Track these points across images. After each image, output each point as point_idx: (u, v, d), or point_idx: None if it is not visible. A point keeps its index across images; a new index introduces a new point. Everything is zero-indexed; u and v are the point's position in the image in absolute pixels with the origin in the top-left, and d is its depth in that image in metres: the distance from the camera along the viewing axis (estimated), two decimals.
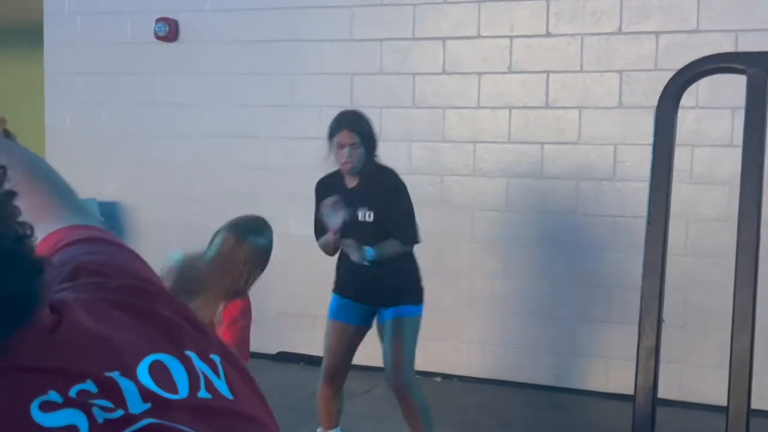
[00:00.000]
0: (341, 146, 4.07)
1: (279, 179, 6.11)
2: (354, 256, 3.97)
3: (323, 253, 4.25)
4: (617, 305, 5.35)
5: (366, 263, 3.96)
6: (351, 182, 4.15)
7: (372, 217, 4.07)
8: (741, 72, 1.42)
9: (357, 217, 4.06)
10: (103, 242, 0.96)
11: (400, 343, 4.08)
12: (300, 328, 6.11)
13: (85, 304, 0.81)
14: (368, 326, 4.24)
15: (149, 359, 0.80)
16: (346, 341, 4.21)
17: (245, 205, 6.19)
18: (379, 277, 4.06)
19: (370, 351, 4.41)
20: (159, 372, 0.80)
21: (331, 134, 4.13)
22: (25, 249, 0.75)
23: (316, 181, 4.30)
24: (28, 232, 0.76)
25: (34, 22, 6.82)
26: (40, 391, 0.72)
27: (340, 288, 4.26)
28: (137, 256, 1.00)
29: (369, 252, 3.97)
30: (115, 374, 0.76)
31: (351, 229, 4.03)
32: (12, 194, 0.77)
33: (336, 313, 4.24)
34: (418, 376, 4.23)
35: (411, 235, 4.15)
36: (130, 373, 0.78)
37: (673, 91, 1.43)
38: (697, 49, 4.86)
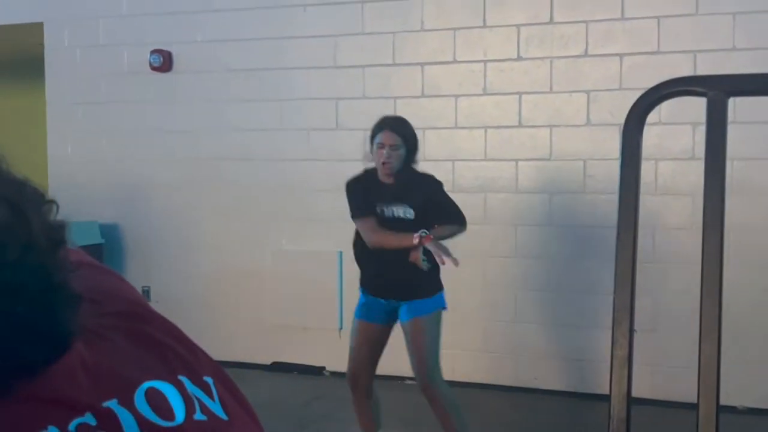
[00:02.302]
0: (382, 146, 3.96)
1: (271, 198, 6.09)
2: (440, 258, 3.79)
3: (365, 243, 4.01)
4: (590, 310, 5.36)
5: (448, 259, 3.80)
6: (386, 179, 4.02)
7: (413, 215, 3.94)
8: (701, 95, 1.42)
9: (397, 214, 3.95)
10: (86, 266, 0.92)
11: (422, 343, 3.97)
12: (293, 338, 6.08)
13: (80, 332, 0.78)
14: (392, 323, 4.09)
15: (145, 386, 0.78)
16: (373, 340, 4.07)
17: (239, 224, 6.20)
18: (397, 272, 3.92)
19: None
20: (155, 399, 0.78)
21: (373, 135, 4.02)
22: (67, 282, 0.74)
23: (347, 182, 4.09)
24: (74, 265, 0.75)
25: (36, 55, 6.79)
26: (40, 426, 0.69)
27: (364, 284, 4.12)
28: (121, 278, 0.97)
29: (424, 233, 3.83)
30: (112, 403, 0.74)
31: (391, 226, 3.92)
32: (65, 225, 0.75)
33: (360, 313, 4.10)
34: (407, 381, 4.20)
35: (462, 218, 4.04)
36: (128, 402, 0.75)
37: (637, 114, 1.44)
38: (658, 70, 4.90)
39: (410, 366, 4.09)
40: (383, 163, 3.96)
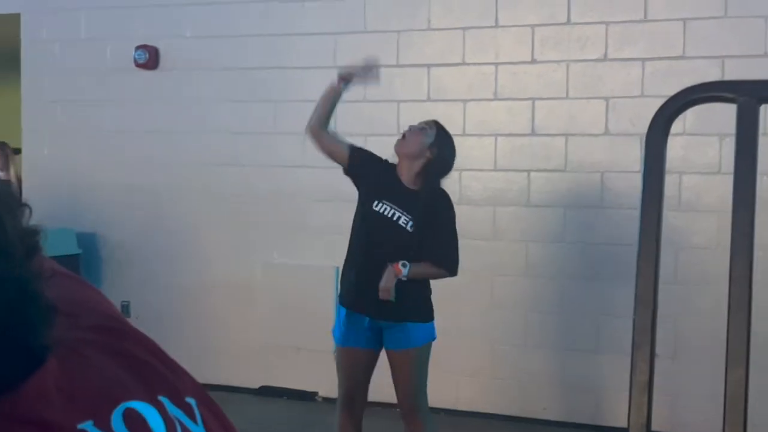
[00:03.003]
0: (412, 126, 4.01)
1: (262, 207, 6.09)
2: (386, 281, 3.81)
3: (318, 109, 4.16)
4: (606, 335, 5.35)
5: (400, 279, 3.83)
6: (407, 181, 3.98)
7: (412, 228, 3.89)
8: (731, 101, 1.42)
9: (399, 219, 3.90)
10: (61, 276, 0.91)
11: (410, 376, 3.94)
12: (283, 361, 6.06)
13: (55, 349, 0.77)
14: (380, 346, 4.01)
15: (123, 407, 0.77)
16: (360, 367, 4.01)
17: (227, 234, 6.19)
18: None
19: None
20: (134, 421, 0.77)
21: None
22: (42, 293, 0.73)
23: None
24: (47, 273, 0.74)
25: (11, 49, 6.80)
26: None
27: (344, 299, 4.04)
28: (97, 291, 0.96)
29: (404, 269, 3.83)
30: (88, 425, 0.73)
31: (388, 228, 3.89)
32: (39, 231, 0.74)
33: (343, 339, 4.00)
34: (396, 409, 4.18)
35: (453, 263, 3.98)
36: (105, 424, 0.74)
37: (662, 121, 1.43)
38: (683, 76, 4.91)
39: (395, 390, 4.04)
40: (401, 138, 3.98)
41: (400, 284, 3.85)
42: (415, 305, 3.94)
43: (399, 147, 4.00)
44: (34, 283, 0.71)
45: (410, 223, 3.91)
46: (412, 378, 3.96)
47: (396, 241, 3.89)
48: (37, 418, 0.72)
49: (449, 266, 3.98)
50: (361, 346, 3.99)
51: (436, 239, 3.95)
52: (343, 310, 4.02)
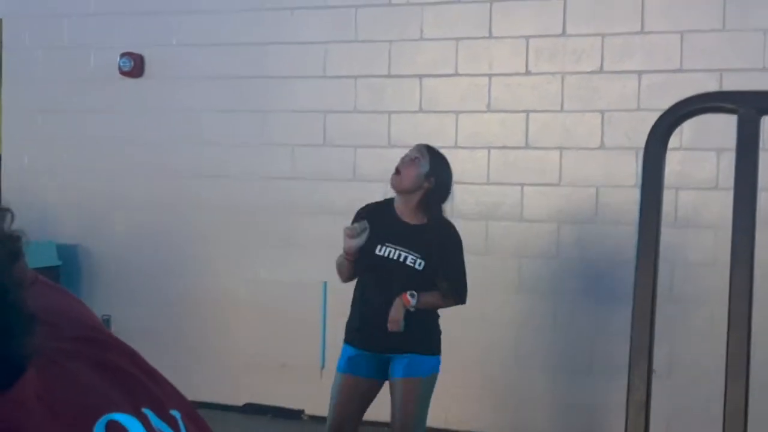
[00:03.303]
0: (402, 160, 3.95)
1: (249, 220, 6.07)
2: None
3: (338, 275, 4.09)
4: (601, 353, 5.34)
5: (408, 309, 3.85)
6: (406, 215, 3.94)
7: (422, 266, 3.85)
8: (731, 111, 1.42)
9: (406, 259, 3.87)
10: (42, 285, 0.90)
11: (412, 407, 3.89)
12: (269, 377, 6.04)
13: (35, 359, 0.76)
14: (384, 378, 3.98)
15: (106, 419, 0.77)
16: (357, 397, 3.96)
17: (212, 248, 6.17)
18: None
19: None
20: None
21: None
22: (24, 301, 0.72)
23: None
24: (29, 281, 0.73)
25: None
26: None
27: (348, 335, 4.02)
28: (79, 301, 0.96)
29: (412, 299, 3.82)
30: None
31: (397, 271, 3.85)
32: (21, 236, 0.74)
33: (346, 366, 3.96)
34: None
35: (462, 292, 3.98)
36: None
37: (661, 131, 1.43)
38: (680, 89, 4.91)
39: (390, 422, 4.00)
40: (395, 173, 3.93)
41: (408, 315, 3.84)
42: (422, 337, 3.93)
43: (395, 184, 3.94)
44: (15, 291, 0.70)
45: (418, 262, 3.87)
46: (413, 409, 3.90)
47: (406, 282, 3.86)
48: (15, 428, 0.71)
49: (459, 296, 3.99)
50: (363, 375, 3.96)
51: (444, 270, 3.92)
52: (349, 348, 4.00)
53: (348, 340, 4.02)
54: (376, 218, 3.96)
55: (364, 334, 3.94)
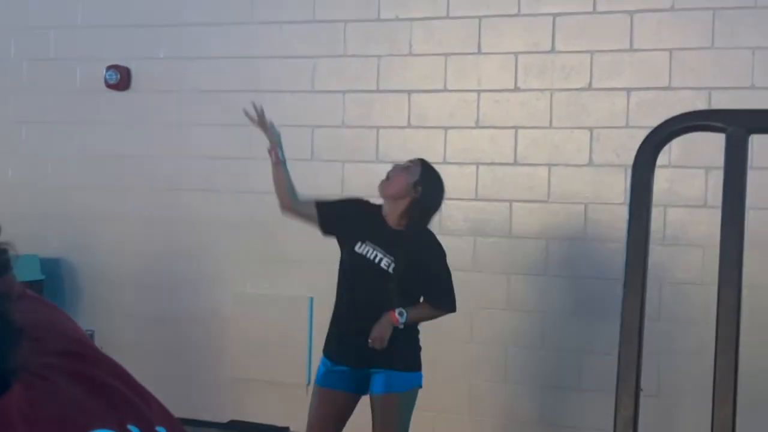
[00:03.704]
0: (393, 167, 4.04)
1: (235, 235, 6.06)
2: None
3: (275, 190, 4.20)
4: (588, 371, 5.34)
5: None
6: (392, 220, 4.00)
7: (392, 269, 3.90)
8: (720, 130, 1.43)
9: (381, 261, 3.91)
10: (27, 299, 0.90)
11: (392, 422, 3.91)
12: (254, 394, 6.01)
13: (21, 373, 0.76)
14: (362, 393, 4.01)
15: None
16: (335, 411, 3.99)
17: (198, 263, 6.15)
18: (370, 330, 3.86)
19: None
20: None
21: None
22: (11, 314, 0.72)
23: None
24: (16, 294, 0.73)
25: None
26: None
27: (327, 348, 4.05)
28: (65, 315, 0.96)
29: (401, 317, 3.84)
30: None
31: (371, 271, 3.90)
32: (8, 249, 0.74)
33: (323, 380, 3.99)
34: None
35: (450, 301, 4.03)
36: None
37: (649, 149, 1.44)
38: (669, 107, 4.95)
39: None
40: (385, 179, 4.01)
41: (397, 328, 3.88)
42: (402, 352, 3.94)
43: (383, 188, 4.03)
44: (2, 304, 0.70)
45: (391, 265, 3.91)
46: (393, 424, 3.92)
47: (377, 285, 3.91)
48: None
49: (448, 305, 4.05)
50: (341, 389, 3.98)
51: (429, 280, 3.97)
52: (327, 361, 4.02)
53: (326, 352, 4.05)
54: (364, 215, 4.05)
55: (341, 348, 3.97)
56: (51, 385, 0.79)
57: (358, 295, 3.94)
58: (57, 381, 0.80)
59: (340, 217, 4.08)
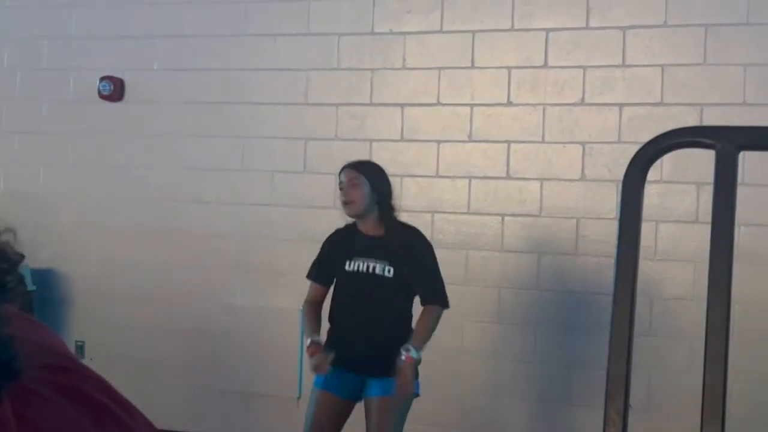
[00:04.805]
0: (341, 186, 4.09)
1: (227, 247, 6.05)
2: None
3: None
4: (578, 387, 5.34)
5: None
6: (370, 230, 4.10)
7: (392, 273, 4.01)
8: (709, 147, 1.44)
9: (375, 269, 4.01)
10: (12, 316, 0.91)
11: (387, 424, 3.98)
12: (245, 407, 5.99)
13: (10, 387, 0.77)
14: (358, 399, 4.12)
15: None
16: (334, 415, 4.08)
17: (189, 274, 6.14)
18: (371, 344, 3.99)
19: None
20: None
21: (338, 177, 4.16)
22: (8, 336, 0.73)
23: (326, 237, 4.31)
24: (8, 315, 0.74)
25: None
26: None
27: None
28: (49, 329, 0.96)
29: (414, 353, 3.92)
30: None
31: (369, 282, 4.00)
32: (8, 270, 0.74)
33: (325, 383, 4.08)
34: None
35: (443, 297, 4.12)
36: None
37: (639, 165, 1.45)
38: (661, 122, 4.97)
39: None
40: (344, 203, 4.08)
41: (387, 341, 3.96)
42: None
43: (351, 211, 4.09)
44: (2, 330, 0.72)
45: (387, 269, 4.02)
46: (388, 427, 3.99)
47: (378, 293, 4.03)
48: None
49: (441, 301, 4.12)
50: (339, 395, 4.08)
51: (420, 277, 4.07)
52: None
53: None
54: (342, 240, 4.16)
55: (344, 354, 4.02)
56: (39, 398, 0.79)
57: (360, 306, 4.05)
58: (44, 394, 0.80)
59: (326, 267, 4.22)
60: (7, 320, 0.75)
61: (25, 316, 0.95)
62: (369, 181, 4.09)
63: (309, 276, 4.28)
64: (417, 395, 4.09)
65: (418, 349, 3.95)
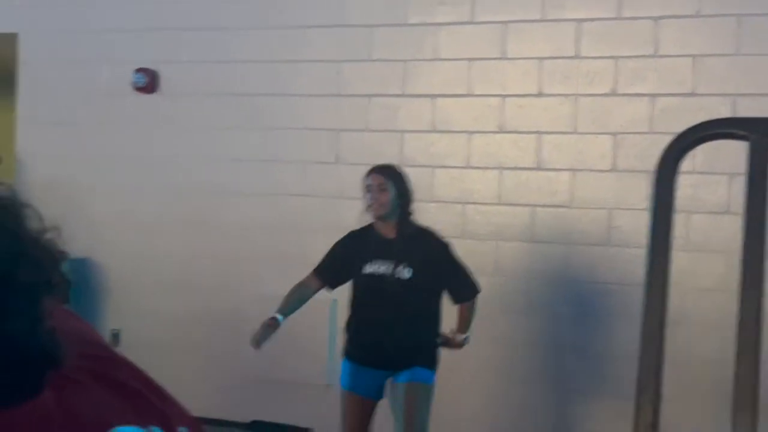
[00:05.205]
0: (368, 189, 4.18)
1: (258, 237, 6.09)
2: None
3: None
4: (608, 377, 5.32)
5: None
6: (387, 232, 4.20)
7: (410, 273, 4.11)
8: (743, 138, 1.43)
9: (394, 271, 4.11)
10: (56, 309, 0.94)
11: (415, 408, 4.10)
12: (277, 394, 6.03)
13: (50, 377, 0.79)
14: (381, 397, 4.26)
15: (117, 431, 0.79)
16: (364, 413, 4.22)
17: (222, 264, 6.18)
18: (394, 343, 4.10)
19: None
20: None
21: (364, 179, 4.26)
22: (51, 331, 0.77)
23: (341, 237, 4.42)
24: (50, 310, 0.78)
25: (8, 68, 6.84)
26: None
27: (351, 352, 4.26)
28: (85, 322, 0.99)
29: (460, 336, 4.24)
30: None
31: (388, 284, 4.09)
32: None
33: (352, 385, 4.22)
34: None
35: (476, 286, 4.29)
36: None
37: (672, 156, 1.44)
38: (693, 113, 4.93)
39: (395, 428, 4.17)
40: (369, 205, 4.18)
41: (414, 333, 4.11)
42: (425, 352, 4.19)
43: (376, 213, 4.19)
44: (46, 321, 0.75)
45: (406, 270, 4.12)
46: (417, 412, 4.10)
47: (400, 294, 4.11)
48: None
49: (471, 294, 4.30)
50: (363, 395, 4.21)
51: (445, 279, 4.20)
52: (350, 365, 4.23)
53: (349, 356, 4.26)
54: (359, 241, 4.26)
55: (368, 354, 4.17)
56: (78, 384, 0.81)
57: (381, 307, 4.13)
58: (83, 382, 0.82)
59: (338, 265, 4.33)
60: (50, 313, 0.78)
61: (62, 307, 0.97)
62: (395, 186, 4.19)
63: (315, 269, 4.42)
64: (433, 385, 4.22)
65: (468, 335, 4.28)
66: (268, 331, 4.21)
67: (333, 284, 4.39)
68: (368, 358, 4.16)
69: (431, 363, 4.21)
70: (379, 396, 4.24)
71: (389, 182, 4.17)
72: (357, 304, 4.26)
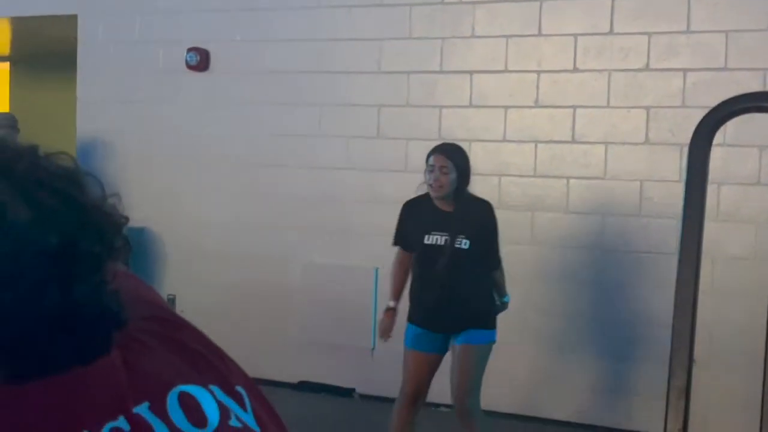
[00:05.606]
0: (433, 168, 4.17)
1: (304, 208, 6.11)
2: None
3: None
4: (642, 343, 5.29)
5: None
6: (444, 206, 4.22)
7: (468, 245, 4.15)
8: None
9: (453, 242, 4.15)
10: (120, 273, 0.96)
11: (468, 368, 4.18)
12: (322, 357, 6.08)
13: (117, 337, 0.81)
14: (445, 351, 4.32)
15: (178, 390, 0.80)
16: (426, 369, 4.28)
17: (270, 234, 6.23)
18: (454, 304, 4.17)
19: None
20: (188, 404, 0.79)
21: (427, 158, 4.24)
22: (114, 294, 0.80)
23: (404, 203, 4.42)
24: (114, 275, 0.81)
25: (68, 48, 6.92)
26: (73, 428, 0.71)
27: (414, 317, 4.31)
28: (147, 285, 1.00)
29: (506, 299, 4.42)
30: (143, 408, 0.76)
31: (448, 254, 4.13)
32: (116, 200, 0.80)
33: (414, 343, 4.29)
34: (442, 408, 4.20)
35: (499, 261, 4.38)
36: (160, 407, 0.77)
37: (706, 129, 1.42)
38: (725, 88, 4.83)
39: (450, 390, 4.23)
40: (431, 186, 4.17)
41: (470, 305, 4.21)
42: (479, 315, 4.27)
43: (438, 194, 4.19)
44: (109, 284, 0.77)
45: (464, 242, 4.15)
46: (471, 372, 4.19)
47: (458, 264, 4.15)
48: (100, 397, 0.75)
49: (497, 265, 4.37)
50: (427, 351, 4.28)
51: (485, 248, 4.25)
52: (413, 328, 4.30)
53: (412, 320, 4.32)
54: (418, 211, 4.28)
55: (427, 318, 4.24)
56: (143, 344, 0.82)
57: (441, 277, 4.17)
58: (148, 343, 0.83)
59: (406, 234, 4.34)
60: (113, 276, 0.79)
61: (127, 272, 0.98)
62: (456, 168, 4.18)
63: (395, 243, 4.41)
64: (494, 342, 4.29)
65: (508, 297, 4.46)
66: (390, 323, 4.35)
67: (412, 249, 4.38)
68: (429, 323, 4.24)
69: (486, 323, 4.26)
70: (442, 351, 4.30)
71: (451, 163, 4.16)
72: (418, 272, 4.31)
